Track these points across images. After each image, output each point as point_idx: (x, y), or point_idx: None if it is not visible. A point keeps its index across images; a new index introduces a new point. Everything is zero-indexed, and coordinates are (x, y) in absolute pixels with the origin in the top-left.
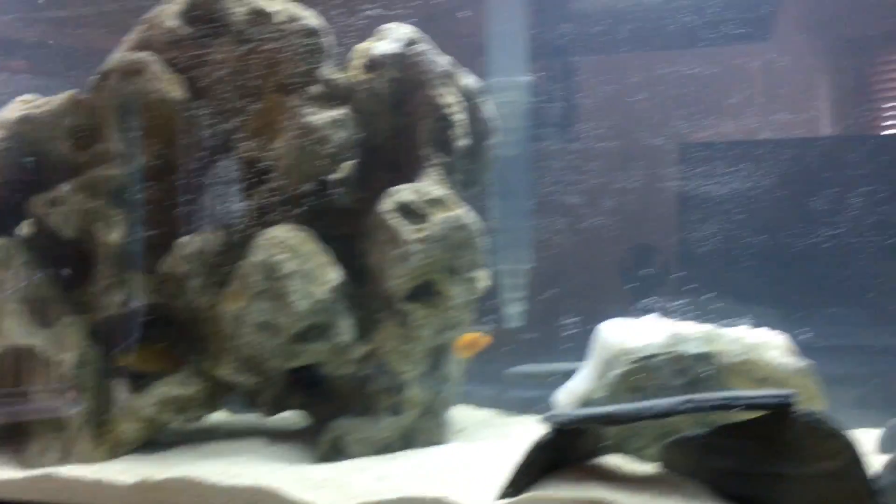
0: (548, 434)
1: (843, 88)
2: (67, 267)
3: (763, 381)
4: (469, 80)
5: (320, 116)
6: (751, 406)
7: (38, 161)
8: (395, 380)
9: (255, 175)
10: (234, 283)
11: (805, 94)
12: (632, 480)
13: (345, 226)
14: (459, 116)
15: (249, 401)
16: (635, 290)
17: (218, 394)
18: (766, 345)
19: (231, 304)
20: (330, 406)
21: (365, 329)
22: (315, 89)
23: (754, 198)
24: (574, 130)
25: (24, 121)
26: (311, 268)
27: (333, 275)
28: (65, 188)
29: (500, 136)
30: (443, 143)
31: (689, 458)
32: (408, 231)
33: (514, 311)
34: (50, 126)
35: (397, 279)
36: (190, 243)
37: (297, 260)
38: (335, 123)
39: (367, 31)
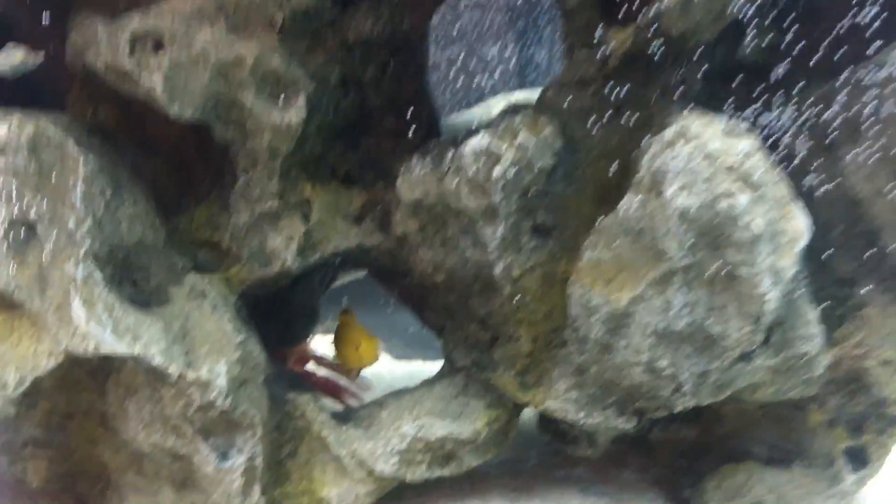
0: None
1: None
2: (167, 172)
3: None
4: None
5: None
6: None
7: None
8: (880, 407)
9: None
10: (604, 243)
11: None
12: None
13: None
14: None
15: (563, 442)
16: None
17: (513, 426)
18: None
19: (606, 290)
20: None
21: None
22: None
23: None
24: None
25: None
26: (775, 217)
27: (801, 224)
28: (163, 22)
29: None
30: None
31: None
32: None
33: None
34: None
35: None
36: (477, 148)
37: (763, 205)
38: None
39: None
